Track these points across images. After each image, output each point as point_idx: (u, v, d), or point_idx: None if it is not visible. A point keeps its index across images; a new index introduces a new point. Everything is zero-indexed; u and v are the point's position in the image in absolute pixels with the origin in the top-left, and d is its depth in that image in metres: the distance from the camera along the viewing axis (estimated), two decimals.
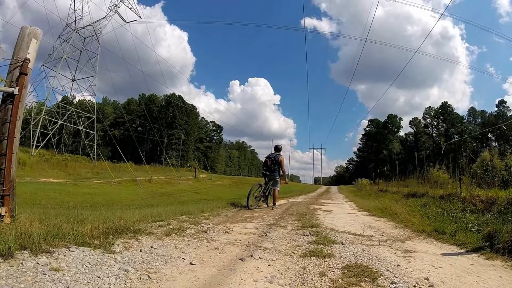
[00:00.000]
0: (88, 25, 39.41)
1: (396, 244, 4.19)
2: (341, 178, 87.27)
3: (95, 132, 41.34)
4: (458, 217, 5.55)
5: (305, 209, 8.84)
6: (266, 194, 8.74)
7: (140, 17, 40.60)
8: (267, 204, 8.80)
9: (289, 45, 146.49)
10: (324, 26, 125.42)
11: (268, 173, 8.60)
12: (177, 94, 68.42)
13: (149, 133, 59.75)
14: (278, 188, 8.73)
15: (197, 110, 74.92)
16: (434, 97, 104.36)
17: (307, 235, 4.38)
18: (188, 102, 71.17)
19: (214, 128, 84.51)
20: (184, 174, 37.21)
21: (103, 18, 39.86)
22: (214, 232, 4.52)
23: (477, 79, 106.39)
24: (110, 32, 41.25)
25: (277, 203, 8.92)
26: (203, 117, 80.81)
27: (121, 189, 20.06)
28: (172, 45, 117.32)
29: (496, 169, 10.18)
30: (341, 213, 8.46)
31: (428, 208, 7.05)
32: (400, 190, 14.17)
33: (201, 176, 37.95)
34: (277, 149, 8.91)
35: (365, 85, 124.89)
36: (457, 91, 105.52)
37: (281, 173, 8.81)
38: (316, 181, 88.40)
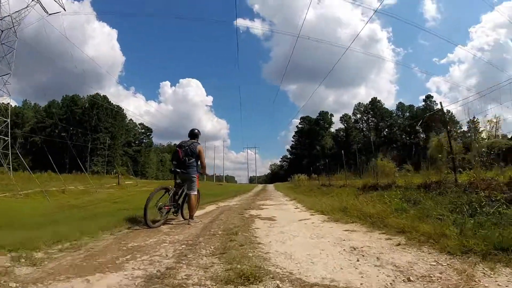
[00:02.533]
0: (7, 16, 32.58)
1: None
2: (276, 176, 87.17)
3: (9, 139, 33.44)
4: (501, 213, 3.16)
5: (238, 220, 5.86)
6: (179, 201, 5.62)
7: (64, 9, 35.17)
8: (182, 216, 5.84)
9: (221, 45, 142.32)
10: (257, 26, 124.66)
11: (179, 169, 5.49)
12: (101, 94, 61.40)
13: (73, 138, 52.44)
14: (195, 193, 5.62)
15: (124, 111, 68.42)
16: (361, 96, 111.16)
17: None
18: (115, 103, 64.08)
19: (143, 130, 77.46)
20: (107, 182, 32.70)
21: (24, 8, 33.73)
22: None
23: (402, 78, 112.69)
24: (31, 25, 35.65)
25: (196, 214, 5.86)
26: (131, 119, 74.47)
27: (26, 203, 16.35)
28: (100, 43, 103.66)
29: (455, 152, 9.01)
30: (290, 221, 5.70)
31: (422, 204, 4.64)
32: (350, 183, 12.22)
33: (126, 182, 33.19)
34: (193, 134, 5.86)
35: (296, 85, 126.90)
36: (383, 90, 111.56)
37: (200, 169, 5.80)
38: (252, 180, 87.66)
